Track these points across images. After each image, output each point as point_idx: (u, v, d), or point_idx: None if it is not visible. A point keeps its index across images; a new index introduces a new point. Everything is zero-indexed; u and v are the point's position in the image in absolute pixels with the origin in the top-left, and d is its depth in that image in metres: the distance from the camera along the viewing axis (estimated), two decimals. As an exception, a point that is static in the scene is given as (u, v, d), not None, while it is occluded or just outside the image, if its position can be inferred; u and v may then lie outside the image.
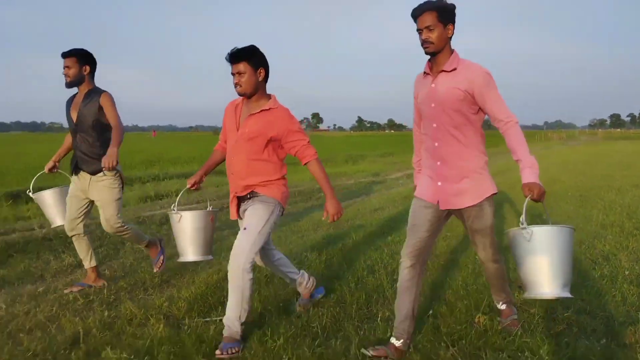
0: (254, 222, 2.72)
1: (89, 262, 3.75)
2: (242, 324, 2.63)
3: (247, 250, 2.64)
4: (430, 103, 2.53)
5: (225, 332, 2.62)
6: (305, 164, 2.84)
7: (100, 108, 3.58)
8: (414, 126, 2.86)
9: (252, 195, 2.80)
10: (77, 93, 3.70)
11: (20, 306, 3.29)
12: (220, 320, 2.90)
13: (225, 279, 3.64)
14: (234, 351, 2.52)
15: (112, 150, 3.40)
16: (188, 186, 3.02)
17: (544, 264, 2.12)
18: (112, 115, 3.61)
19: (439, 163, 2.54)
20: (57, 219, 3.82)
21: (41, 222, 5.77)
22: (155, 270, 3.92)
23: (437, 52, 2.44)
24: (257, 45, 2.77)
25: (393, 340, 2.53)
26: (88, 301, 3.39)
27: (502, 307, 2.83)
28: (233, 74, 2.72)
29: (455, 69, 2.46)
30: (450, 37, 2.46)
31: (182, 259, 3.07)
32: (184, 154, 21.22)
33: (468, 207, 2.51)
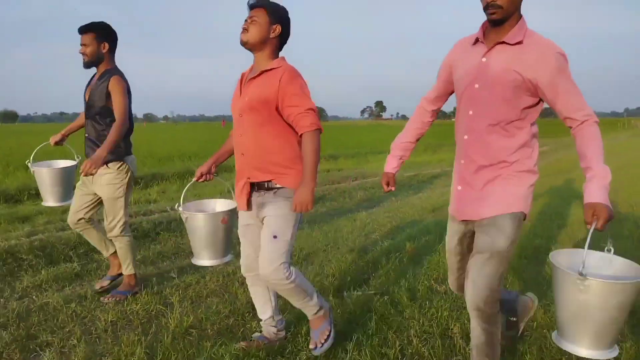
0: (282, 227, 2.25)
1: (106, 251, 3.49)
2: (320, 307, 2.40)
3: (282, 260, 2.22)
4: (473, 83, 1.92)
5: (312, 317, 2.42)
6: (300, 136, 2.21)
7: (109, 93, 3.11)
8: (422, 101, 2.28)
9: (270, 186, 2.27)
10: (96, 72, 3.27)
11: (189, 276, 3.76)
12: (374, 293, 3.25)
13: (363, 259, 3.99)
14: (326, 336, 2.39)
15: (99, 153, 2.92)
16: (194, 179, 2.56)
17: (594, 322, 1.68)
18: (118, 103, 3.10)
19: (462, 162, 2.01)
20: (49, 199, 3.49)
21: (172, 205, 6.39)
22: (107, 300, 3.26)
23: (505, 20, 1.84)
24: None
25: None
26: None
27: None
28: (246, 20, 2.27)
29: (520, 42, 1.83)
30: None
31: (195, 262, 2.73)
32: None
33: (483, 219, 1.93)
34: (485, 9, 1.83)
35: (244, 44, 2.25)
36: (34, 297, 3.35)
